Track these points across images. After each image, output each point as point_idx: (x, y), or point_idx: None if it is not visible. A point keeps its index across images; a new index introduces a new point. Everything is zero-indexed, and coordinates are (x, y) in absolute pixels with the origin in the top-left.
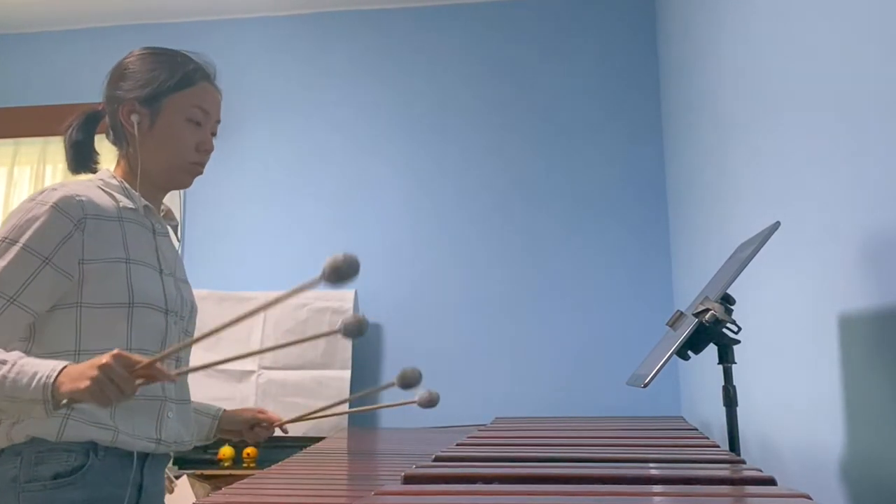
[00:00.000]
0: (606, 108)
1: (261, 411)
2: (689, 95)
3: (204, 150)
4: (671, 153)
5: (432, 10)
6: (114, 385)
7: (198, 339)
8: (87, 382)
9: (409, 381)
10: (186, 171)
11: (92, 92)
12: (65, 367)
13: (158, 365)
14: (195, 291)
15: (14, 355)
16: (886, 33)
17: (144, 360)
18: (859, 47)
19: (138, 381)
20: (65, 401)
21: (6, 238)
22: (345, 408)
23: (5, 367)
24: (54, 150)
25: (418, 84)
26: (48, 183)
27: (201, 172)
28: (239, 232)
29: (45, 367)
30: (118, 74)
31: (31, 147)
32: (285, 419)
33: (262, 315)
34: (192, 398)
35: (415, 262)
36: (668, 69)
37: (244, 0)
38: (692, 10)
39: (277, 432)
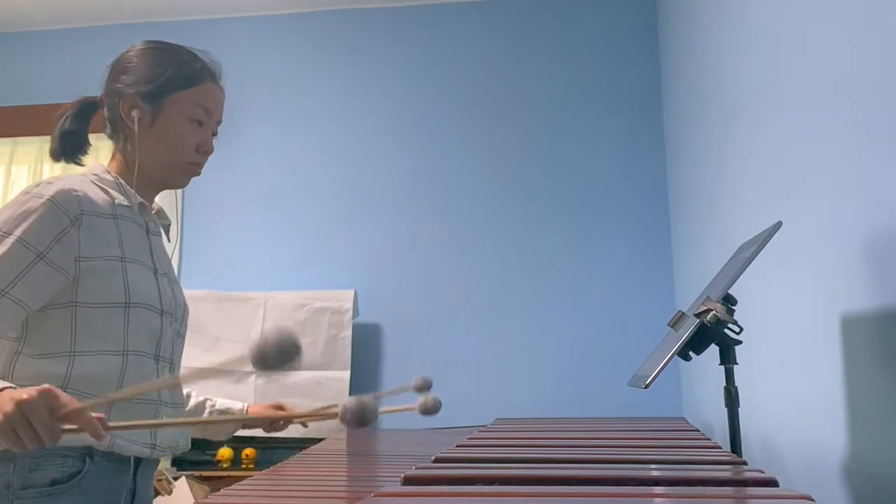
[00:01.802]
0: (608, 108)
1: (279, 407)
2: (691, 95)
3: (203, 151)
4: (672, 152)
5: (430, 8)
6: (30, 428)
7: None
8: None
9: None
10: (184, 171)
11: (90, 91)
12: (3, 390)
13: (91, 414)
14: (194, 291)
15: None
16: (889, 32)
17: (75, 402)
18: (861, 47)
19: (64, 427)
20: None
21: None
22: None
23: None
24: None
25: (417, 84)
26: None
27: (199, 173)
28: (237, 231)
29: None
30: (120, 67)
31: (28, 146)
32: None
33: (261, 315)
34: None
35: (414, 262)
36: (670, 68)
37: None
38: (694, 9)
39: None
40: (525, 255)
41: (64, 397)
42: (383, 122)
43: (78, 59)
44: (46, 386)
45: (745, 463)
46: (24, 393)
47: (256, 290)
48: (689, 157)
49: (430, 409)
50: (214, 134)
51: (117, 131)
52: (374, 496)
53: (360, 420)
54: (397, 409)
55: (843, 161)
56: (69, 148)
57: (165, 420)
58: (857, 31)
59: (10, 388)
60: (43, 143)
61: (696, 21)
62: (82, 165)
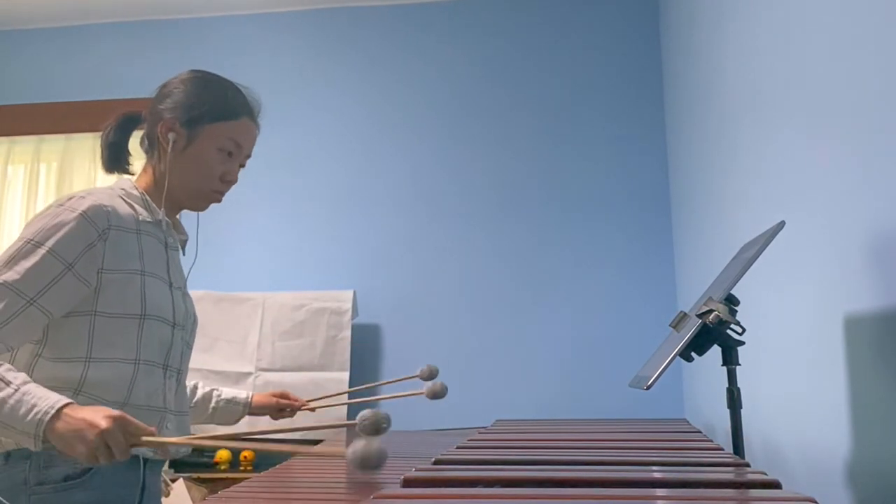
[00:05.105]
0: (609, 108)
1: (284, 395)
2: (693, 94)
3: (227, 181)
4: (674, 152)
5: (429, 7)
6: (109, 452)
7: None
8: (83, 448)
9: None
10: (206, 197)
11: (88, 90)
12: (65, 407)
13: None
14: (193, 292)
15: (20, 378)
16: (891, 32)
17: (145, 427)
18: (864, 47)
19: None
20: (50, 445)
21: (32, 240)
22: (357, 396)
23: (7, 390)
24: (48, 148)
25: (416, 84)
26: (42, 181)
27: (219, 201)
28: (235, 231)
29: (45, 403)
30: (166, 91)
31: (25, 146)
32: (310, 400)
33: (259, 316)
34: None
35: (414, 262)
36: (672, 67)
37: None
38: (695, 8)
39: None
40: (525, 255)
41: (135, 423)
42: (383, 122)
43: (75, 58)
44: (119, 413)
45: (747, 465)
46: (102, 421)
47: (255, 290)
48: (690, 157)
49: (439, 394)
50: (242, 166)
51: (153, 149)
52: (374, 498)
53: (364, 465)
54: (406, 395)
55: (846, 161)
56: (116, 159)
57: (214, 435)
58: (859, 31)
59: (72, 403)
60: (39, 143)
61: (699, 19)
62: (132, 174)
